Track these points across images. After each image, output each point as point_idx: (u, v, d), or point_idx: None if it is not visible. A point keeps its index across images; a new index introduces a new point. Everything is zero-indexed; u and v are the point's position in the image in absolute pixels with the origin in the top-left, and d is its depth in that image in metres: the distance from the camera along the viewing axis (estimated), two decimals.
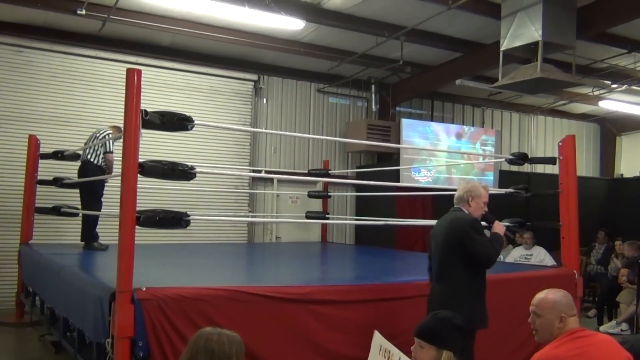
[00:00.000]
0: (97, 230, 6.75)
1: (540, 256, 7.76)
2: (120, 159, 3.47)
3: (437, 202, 9.24)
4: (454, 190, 4.04)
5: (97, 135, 6.73)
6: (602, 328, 7.55)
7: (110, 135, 6.62)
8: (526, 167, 10.35)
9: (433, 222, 4.21)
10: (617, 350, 2.61)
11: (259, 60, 9.76)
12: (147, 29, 8.10)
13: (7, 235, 7.81)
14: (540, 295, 2.81)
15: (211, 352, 2.11)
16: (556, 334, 2.66)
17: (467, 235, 3.67)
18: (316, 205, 9.17)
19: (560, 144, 5.53)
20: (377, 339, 2.75)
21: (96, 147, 6.59)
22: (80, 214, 6.48)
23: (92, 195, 6.57)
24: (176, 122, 3.77)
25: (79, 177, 6.66)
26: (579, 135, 12.13)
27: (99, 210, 6.54)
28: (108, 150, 6.56)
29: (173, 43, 8.90)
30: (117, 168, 3.79)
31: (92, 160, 6.60)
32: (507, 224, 5.61)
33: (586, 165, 13.70)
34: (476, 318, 3.67)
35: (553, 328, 2.68)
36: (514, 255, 8.20)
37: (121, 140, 3.52)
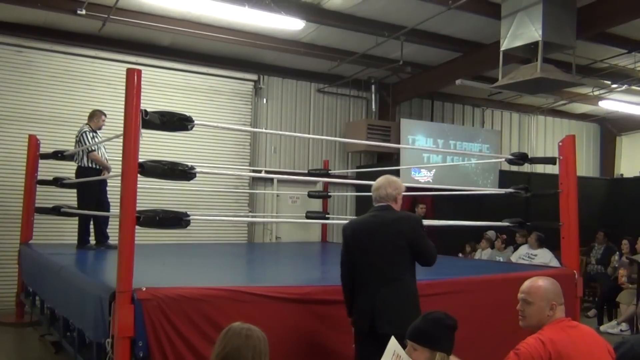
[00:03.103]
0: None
1: (544, 258, 7.67)
2: (120, 159, 3.46)
3: (437, 202, 9.26)
4: (454, 190, 4.01)
5: (77, 136, 6.60)
6: (602, 328, 7.55)
7: (86, 134, 6.46)
8: (526, 167, 10.35)
9: (433, 222, 4.19)
10: (601, 341, 2.66)
11: (259, 60, 9.77)
12: (147, 29, 8.10)
13: (7, 235, 7.82)
14: (529, 282, 2.80)
15: (253, 348, 2.18)
16: (545, 322, 2.66)
17: (419, 234, 3.53)
18: (316, 205, 9.16)
19: (560, 144, 5.52)
20: (393, 344, 2.74)
21: (79, 150, 6.48)
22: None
23: (83, 198, 6.51)
24: (176, 122, 3.77)
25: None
26: (579, 135, 12.14)
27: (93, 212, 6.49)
28: (89, 149, 6.39)
29: (173, 43, 8.90)
30: (117, 168, 3.78)
31: (79, 164, 6.54)
32: (507, 223, 5.63)
33: (586, 165, 13.71)
34: None
35: (543, 316, 2.68)
36: (520, 252, 8.16)
37: (121, 139, 3.52)
